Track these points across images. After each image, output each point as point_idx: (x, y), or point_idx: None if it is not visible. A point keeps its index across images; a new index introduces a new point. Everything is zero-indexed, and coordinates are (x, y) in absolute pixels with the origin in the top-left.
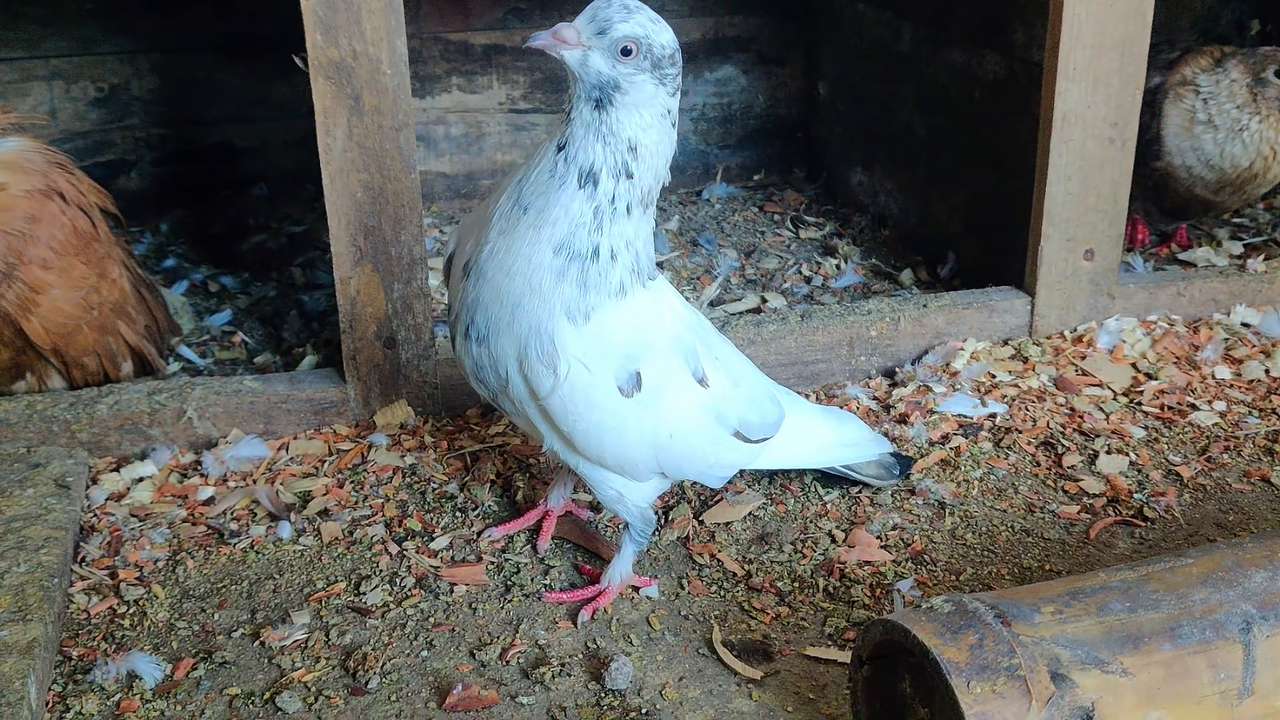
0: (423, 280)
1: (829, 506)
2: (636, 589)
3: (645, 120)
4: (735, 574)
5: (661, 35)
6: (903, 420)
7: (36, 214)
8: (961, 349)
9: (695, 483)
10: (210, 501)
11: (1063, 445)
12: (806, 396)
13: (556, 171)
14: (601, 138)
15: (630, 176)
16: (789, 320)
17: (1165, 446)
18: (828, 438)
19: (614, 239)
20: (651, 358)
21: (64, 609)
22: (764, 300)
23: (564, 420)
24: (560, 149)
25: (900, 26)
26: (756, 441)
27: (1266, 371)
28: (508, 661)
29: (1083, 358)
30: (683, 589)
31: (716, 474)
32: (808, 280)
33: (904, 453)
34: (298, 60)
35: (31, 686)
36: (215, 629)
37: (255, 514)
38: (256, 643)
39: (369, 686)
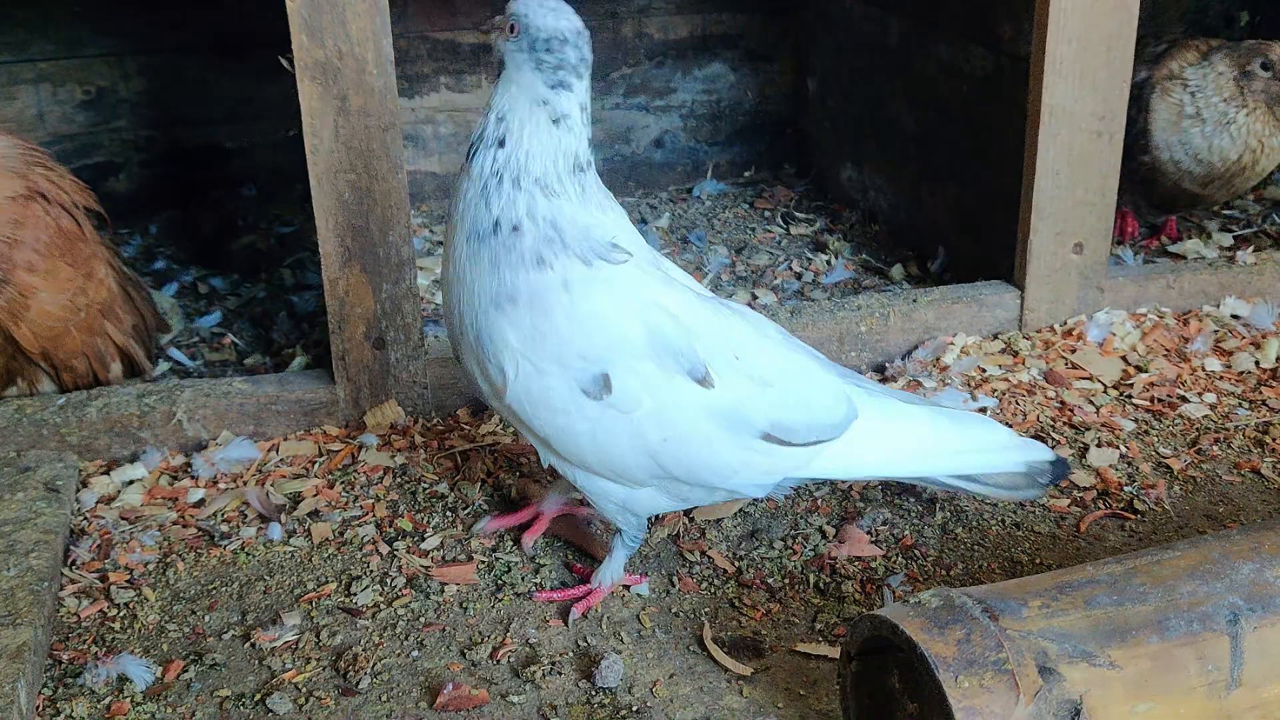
0: (411, 280)
1: (819, 502)
2: (627, 587)
3: (514, 98)
4: (726, 571)
5: (542, 19)
6: None
7: (20, 218)
8: (951, 343)
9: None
10: (200, 503)
11: (1053, 438)
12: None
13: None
14: (486, 112)
15: (502, 146)
16: (779, 316)
17: (1155, 439)
18: (936, 442)
19: (509, 211)
20: (622, 358)
21: (54, 612)
22: (755, 297)
23: (532, 422)
24: None
25: (888, 22)
26: (802, 445)
27: (1256, 363)
28: (498, 660)
29: (1072, 351)
30: (673, 586)
31: (749, 481)
32: (798, 276)
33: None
34: (284, 61)
35: (21, 690)
36: (206, 631)
37: (245, 515)
38: (247, 644)
39: (360, 687)
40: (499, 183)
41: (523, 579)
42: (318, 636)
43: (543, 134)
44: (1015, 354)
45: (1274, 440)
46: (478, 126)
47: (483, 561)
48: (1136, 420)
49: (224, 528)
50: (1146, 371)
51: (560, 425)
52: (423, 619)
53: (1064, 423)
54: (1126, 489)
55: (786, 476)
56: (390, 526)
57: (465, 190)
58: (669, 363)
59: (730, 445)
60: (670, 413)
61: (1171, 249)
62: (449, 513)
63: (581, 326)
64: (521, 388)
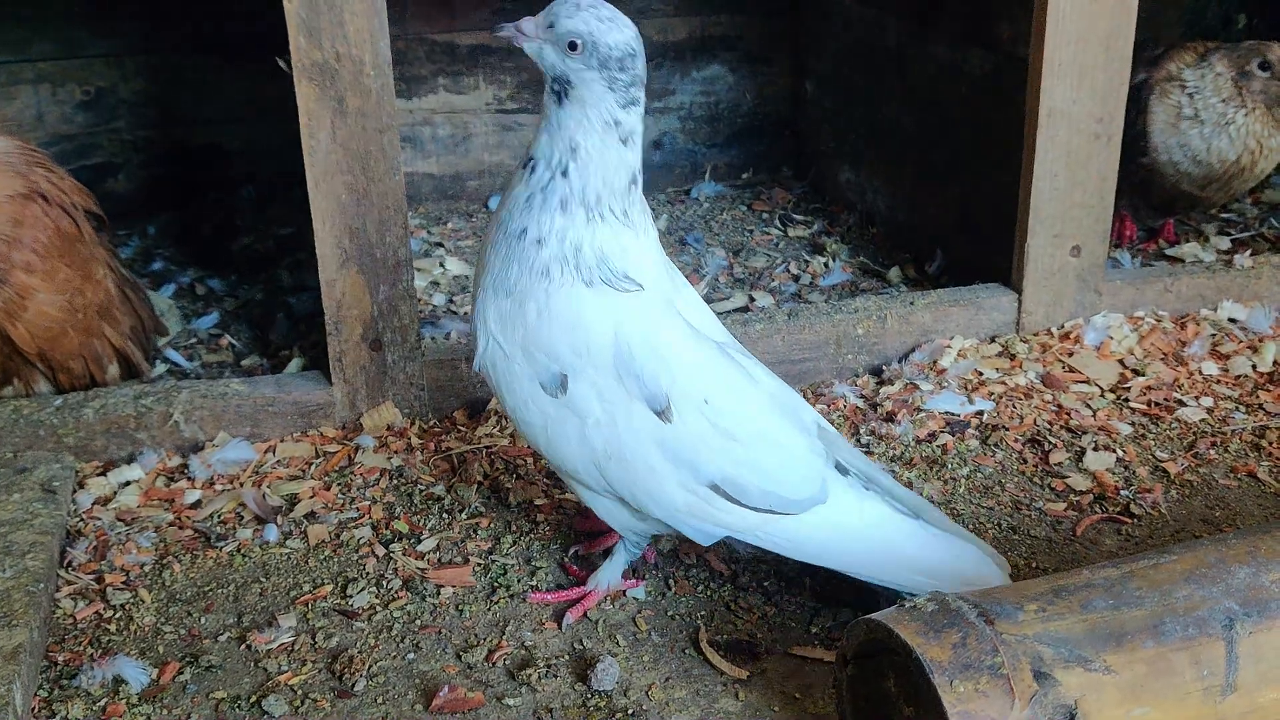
0: (408, 282)
1: None
2: (623, 592)
3: (589, 124)
4: (721, 574)
5: (609, 35)
6: (890, 418)
7: (19, 217)
8: (948, 346)
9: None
10: (197, 505)
11: (1049, 442)
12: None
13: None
14: (550, 130)
15: (565, 175)
16: (776, 319)
17: (1152, 443)
18: (916, 555)
19: (542, 227)
20: (585, 365)
21: (50, 614)
22: (752, 299)
23: (496, 392)
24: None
25: (886, 23)
26: (752, 509)
27: (1253, 367)
28: (494, 663)
29: (1070, 354)
30: (669, 589)
31: (692, 524)
32: (796, 278)
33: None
34: (280, 63)
35: (17, 692)
36: (202, 633)
37: (242, 517)
38: (243, 646)
39: (355, 689)
40: (544, 200)
41: (518, 581)
42: (314, 638)
43: (609, 157)
44: (1012, 357)
45: (1270, 444)
46: (544, 145)
47: (479, 564)
48: (1133, 424)
49: (220, 529)
50: (1143, 375)
51: (512, 406)
52: (418, 621)
53: (1061, 426)
54: (1123, 493)
55: (733, 534)
56: (386, 528)
57: (517, 190)
58: (630, 384)
59: (674, 482)
60: (621, 431)
61: (1169, 252)
62: (445, 515)
63: (551, 324)
64: (489, 362)
